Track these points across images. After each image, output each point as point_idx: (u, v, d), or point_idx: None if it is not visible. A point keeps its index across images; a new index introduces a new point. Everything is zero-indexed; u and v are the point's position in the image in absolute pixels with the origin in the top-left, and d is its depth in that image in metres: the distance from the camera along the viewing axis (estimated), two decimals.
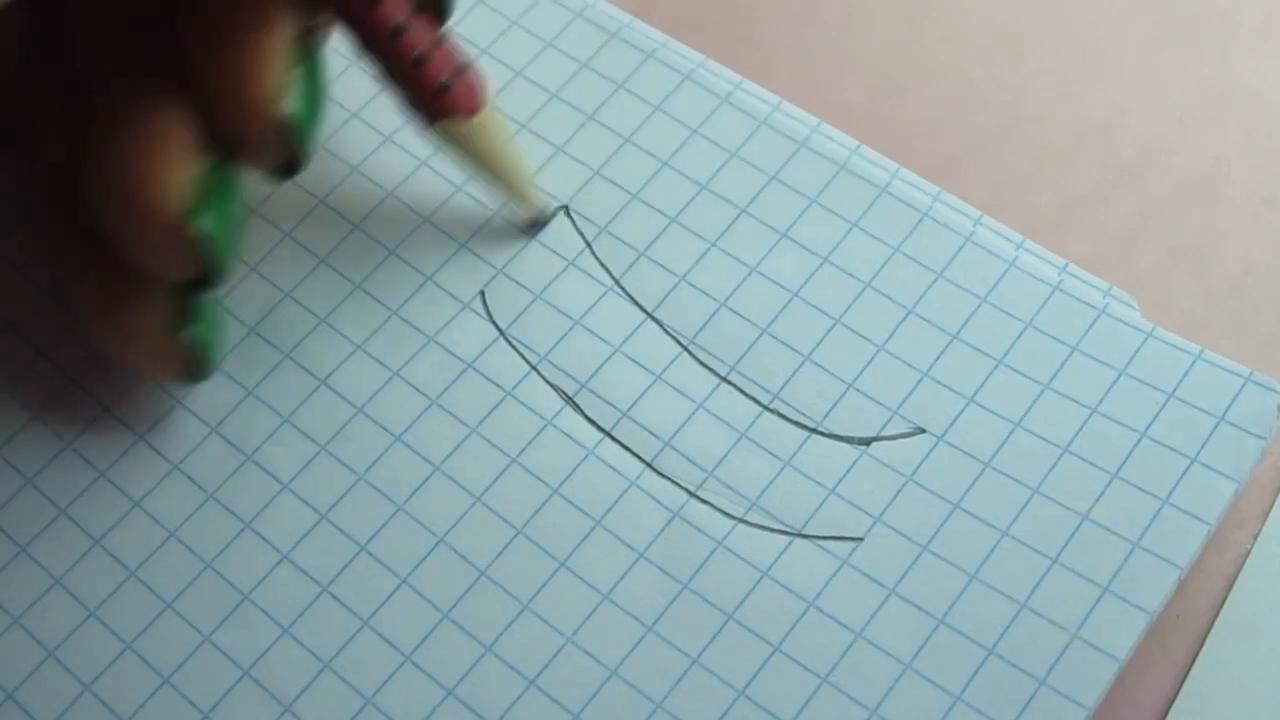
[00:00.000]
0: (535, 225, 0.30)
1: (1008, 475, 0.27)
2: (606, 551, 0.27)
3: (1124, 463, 0.27)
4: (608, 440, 0.28)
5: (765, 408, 0.28)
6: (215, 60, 0.26)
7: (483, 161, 0.29)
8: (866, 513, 0.27)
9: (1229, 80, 0.33)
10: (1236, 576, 0.27)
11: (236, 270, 0.30)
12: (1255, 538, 0.28)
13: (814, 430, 0.28)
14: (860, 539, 0.27)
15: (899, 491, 0.27)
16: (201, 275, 0.26)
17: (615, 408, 0.28)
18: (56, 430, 0.29)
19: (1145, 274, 0.30)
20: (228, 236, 0.26)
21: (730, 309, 0.29)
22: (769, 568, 0.26)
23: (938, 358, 0.28)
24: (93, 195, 0.26)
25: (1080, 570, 0.26)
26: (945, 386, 0.28)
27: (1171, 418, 0.27)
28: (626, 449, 0.28)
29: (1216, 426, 0.27)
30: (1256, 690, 0.26)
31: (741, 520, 0.27)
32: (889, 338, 0.29)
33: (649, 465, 0.28)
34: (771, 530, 0.27)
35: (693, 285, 0.29)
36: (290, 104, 0.26)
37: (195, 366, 0.27)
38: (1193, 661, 0.26)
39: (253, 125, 0.26)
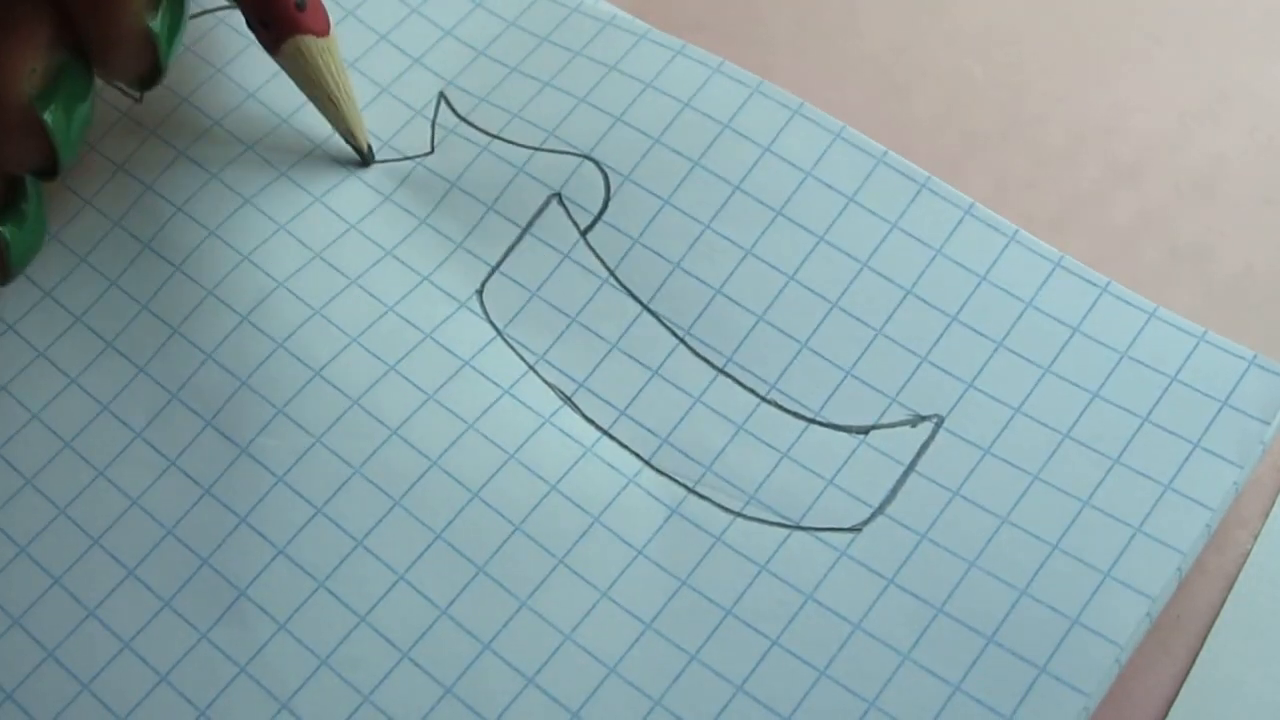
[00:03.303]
0: (362, 162, 0.31)
1: (1008, 461, 0.27)
2: (605, 549, 0.27)
3: (1125, 448, 0.27)
4: (606, 438, 0.28)
5: (762, 399, 0.28)
6: None
7: (323, 85, 0.30)
8: (865, 503, 0.27)
9: (1229, 80, 0.33)
10: (1237, 576, 0.27)
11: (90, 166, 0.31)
12: (1255, 538, 0.27)
13: (812, 420, 0.28)
14: (858, 529, 0.27)
15: (897, 480, 0.27)
16: (42, 165, 0.27)
17: (613, 406, 0.28)
18: (57, 430, 0.29)
19: (1145, 274, 0.30)
20: (72, 131, 0.27)
21: (726, 296, 0.29)
22: (767, 561, 0.26)
23: (936, 341, 0.28)
24: None
25: (1081, 556, 0.26)
26: (944, 371, 0.28)
27: (1174, 402, 0.27)
28: (624, 447, 0.28)
29: (1220, 411, 0.27)
30: (1256, 690, 0.26)
31: (739, 514, 0.27)
32: (887, 321, 0.28)
33: (647, 463, 0.28)
34: (769, 523, 0.27)
35: (688, 272, 0.29)
36: (153, 18, 0.27)
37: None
38: (1193, 661, 0.26)
39: (117, 32, 0.27)
